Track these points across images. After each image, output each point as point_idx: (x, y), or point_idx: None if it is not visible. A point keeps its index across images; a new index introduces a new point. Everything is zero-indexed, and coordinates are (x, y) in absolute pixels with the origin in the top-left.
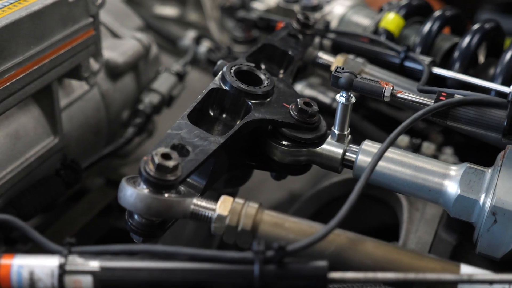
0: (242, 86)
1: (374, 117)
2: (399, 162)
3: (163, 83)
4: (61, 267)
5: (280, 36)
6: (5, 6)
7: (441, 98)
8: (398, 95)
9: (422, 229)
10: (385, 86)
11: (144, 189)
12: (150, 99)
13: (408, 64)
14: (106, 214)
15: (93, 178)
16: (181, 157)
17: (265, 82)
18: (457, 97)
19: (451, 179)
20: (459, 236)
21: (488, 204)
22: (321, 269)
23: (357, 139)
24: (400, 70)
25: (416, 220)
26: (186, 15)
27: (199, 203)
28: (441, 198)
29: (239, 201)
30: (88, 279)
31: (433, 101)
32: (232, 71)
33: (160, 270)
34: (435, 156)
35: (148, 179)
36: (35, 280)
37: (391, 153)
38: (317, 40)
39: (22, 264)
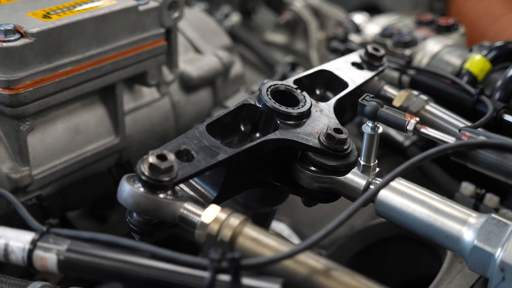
0: (275, 105)
1: (446, 161)
2: (420, 202)
3: (237, 101)
4: (33, 242)
5: (339, 62)
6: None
7: (463, 138)
8: (422, 130)
9: (457, 281)
10: (409, 119)
11: (140, 187)
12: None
13: (481, 108)
14: None
15: None
16: (183, 162)
17: (301, 104)
18: (481, 138)
19: (469, 226)
20: None
21: (499, 259)
22: None
23: (425, 183)
24: (472, 113)
25: (454, 272)
26: (294, 43)
27: (189, 207)
28: (458, 247)
29: (226, 211)
30: (53, 258)
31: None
32: (269, 90)
33: (120, 261)
34: (496, 210)
35: (140, 177)
36: (9, 252)
37: (415, 191)
38: (396, 74)
39: (1, 234)
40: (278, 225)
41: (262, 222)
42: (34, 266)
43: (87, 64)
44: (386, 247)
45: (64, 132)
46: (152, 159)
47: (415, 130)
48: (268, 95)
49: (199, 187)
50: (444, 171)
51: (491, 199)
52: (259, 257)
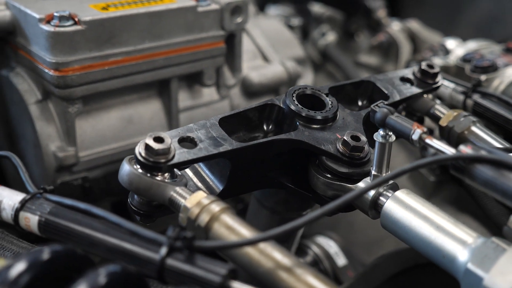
0: (297, 107)
1: None
2: (423, 217)
3: None
4: (21, 202)
5: (389, 76)
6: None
7: (463, 151)
8: (426, 140)
9: None
10: (415, 128)
11: (138, 168)
12: None
13: None
14: None
15: None
16: (184, 148)
17: (326, 108)
18: (480, 153)
19: (466, 247)
20: None
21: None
22: (216, 274)
23: (480, 215)
24: None
25: None
26: (385, 66)
27: (179, 191)
28: (453, 268)
29: (211, 198)
30: (35, 219)
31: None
32: (295, 92)
33: (91, 228)
34: None
35: (137, 157)
36: (1, 209)
37: (422, 206)
38: (461, 97)
39: None
40: (326, 241)
41: None
42: (19, 224)
43: (139, 57)
44: (421, 274)
45: (117, 121)
46: (149, 140)
47: (420, 140)
48: (293, 97)
49: (207, 179)
50: (498, 203)
51: None
52: (214, 241)
